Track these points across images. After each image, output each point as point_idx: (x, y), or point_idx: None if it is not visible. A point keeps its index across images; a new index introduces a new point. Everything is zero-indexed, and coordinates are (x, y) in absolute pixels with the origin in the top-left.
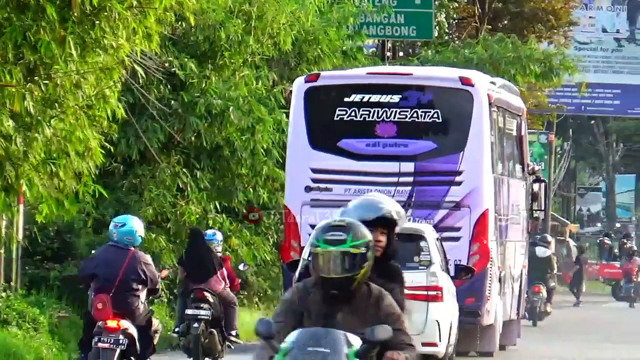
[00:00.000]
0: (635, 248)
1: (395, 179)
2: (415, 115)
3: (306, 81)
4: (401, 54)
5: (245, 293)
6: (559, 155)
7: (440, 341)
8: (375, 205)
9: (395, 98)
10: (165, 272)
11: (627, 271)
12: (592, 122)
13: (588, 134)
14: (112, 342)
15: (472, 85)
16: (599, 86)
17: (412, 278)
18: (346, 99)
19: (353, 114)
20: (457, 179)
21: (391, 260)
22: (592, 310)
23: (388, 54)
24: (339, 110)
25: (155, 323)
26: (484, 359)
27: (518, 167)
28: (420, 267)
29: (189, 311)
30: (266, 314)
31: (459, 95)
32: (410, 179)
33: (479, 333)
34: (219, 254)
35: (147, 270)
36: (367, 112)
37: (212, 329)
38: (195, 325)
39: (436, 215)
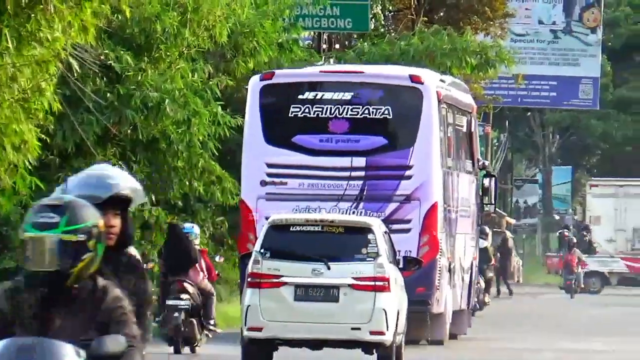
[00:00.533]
0: (574, 240)
1: (347, 174)
2: (366, 112)
3: (261, 79)
4: (337, 46)
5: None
6: (495, 147)
7: (387, 329)
8: (104, 181)
9: (348, 95)
10: (151, 265)
11: (567, 262)
12: (529, 113)
13: (524, 126)
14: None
15: (422, 83)
16: (535, 78)
17: (359, 269)
18: (300, 97)
19: (307, 110)
20: (407, 173)
21: (127, 248)
22: (531, 301)
23: (324, 46)
24: (293, 107)
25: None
26: (435, 348)
27: (468, 162)
28: (368, 259)
29: (169, 301)
30: None
31: (409, 92)
32: (362, 173)
33: (429, 322)
34: (197, 247)
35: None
36: (320, 109)
37: (192, 319)
38: (176, 315)
39: (387, 208)
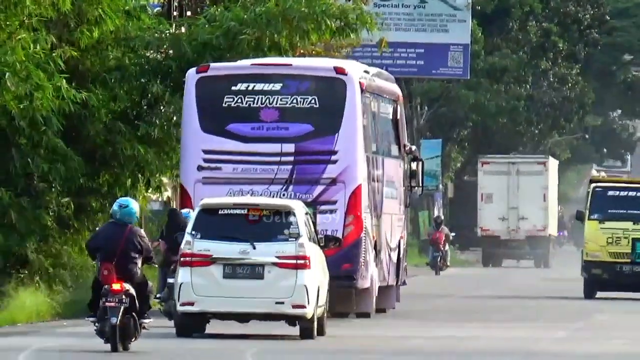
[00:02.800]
0: (442, 217)
1: (277, 159)
2: (295, 101)
3: (197, 72)
4: (189, 13)
5: (26, 272)
6: None
7: (308, 303)
8: None
9: (277, 86)
10: (157, 243)
11: (435, 240)
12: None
13: None
14: (117, 301)
15: (345, 74)
16: (402, 45)
17: (282, 249)
18: (233, 88)
19: (239, 101)
20: (333, 157)
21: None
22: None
23: (175, 13)
24: (227, 97)
25: (150, 285)
26: (362, 320)
27: (394, 147)
28: (290, 239)
29: (170, 280)
30: (48, 294)
31: (333, 83)
32: (291, 158)
33: (355, 296)
34: None
35: (142, 242)
36: (252, 99)
37: None
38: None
39: (315, 190)
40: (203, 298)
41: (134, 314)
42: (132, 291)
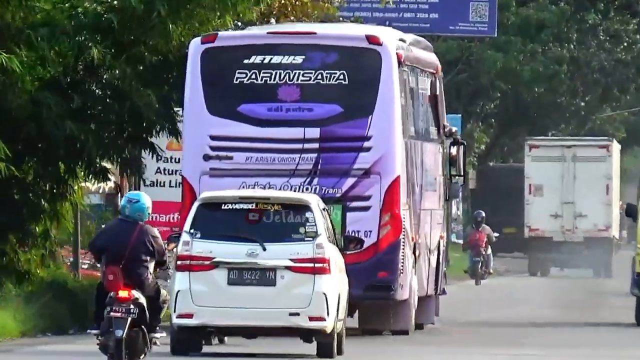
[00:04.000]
0: (483, 214)
1: (299, 146)
2: (319, 77)
3: (202, 42)
4: None
5: None
6: None
7: (327, 315)
8: None
9: (298, 59)
10: (172, 245)
11: (474, 242)
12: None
13: None
14: (123, 311)
15: (380, 44)
16: None
17: (297, 250)
18: (246, 61)
19: (253, 76)
20: (366, 144)
21: None
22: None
23: None
24: (238, 73)
25: (164, 293)
26: (399, 339)
27: (433, 129)
28: (306, 239)
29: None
30: None
31: (366, 55)
32: (316, 145)
33: (392, 310)
34: None
35: (155, 242)
36: (269, 75)
37: None
38: None
39: (344, 183)
40: (204, 309)
41: (143, 326)
42: (142, 300)
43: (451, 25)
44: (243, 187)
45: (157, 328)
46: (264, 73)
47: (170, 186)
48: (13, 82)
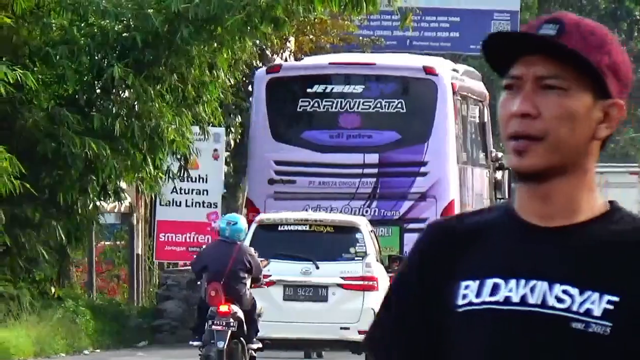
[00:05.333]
0: None
1: (359, 171)
2: (378, 105)
3: (267, 72)
4: None
5: None
6: None
7: None
8: None
9: (358, 88)
10: (265, 262)
11: None
12: None
13: None
14: (224, 324)
15: (436, 75)
16: (430, 12)
17: (348, 269)
18: (309, 90)
19: (316, 105)
20: (422, 169)
21: None
22: None
23: None
24: (302, 101)
25: (259, 307)
26: None
27: (481, 155)
28: (356, 258)
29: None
30: None
31: (422, 84)
32: (375, 170)
33: None
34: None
35: (252, 260)
36: (330, 103)
37: None
38: None
39: (402, 206)
40: (262, 322)
41: (241, 338)
42: (240, 314)
43: (472, 44)
44: (306, 209)
45: (254, 339)
46: (325, 101)
47: (186, 205)
48: (29, 99)
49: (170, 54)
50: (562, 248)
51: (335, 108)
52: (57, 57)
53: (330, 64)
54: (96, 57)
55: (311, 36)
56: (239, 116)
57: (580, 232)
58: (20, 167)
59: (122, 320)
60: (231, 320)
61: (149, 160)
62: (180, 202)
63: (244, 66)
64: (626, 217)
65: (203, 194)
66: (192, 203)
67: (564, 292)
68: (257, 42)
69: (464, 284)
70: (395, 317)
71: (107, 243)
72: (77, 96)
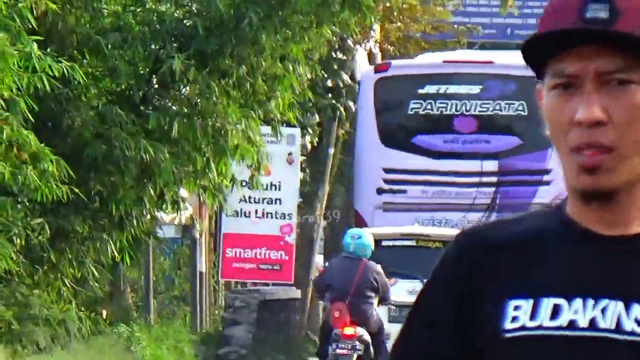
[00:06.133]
0: None
1: (476, 179)
2: (497, 107)
3: (375, 71)
4: None
5: None
6: None
7: None
8: None
9: (475, 89)
10: (393, 280)
11: None
12: None
13: None
14: (349, 347)
15: None
16: None
17: None
18: (420, 91)
19: (429, 107)
20: (546, 178)
21: None
22: None
23: None
24: (413, 103)
25: (387, 329)
26: None
27: None
28: None
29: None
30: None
31: None
32: (494, 179)
33: None
34: None
35: (379, 279)
36: (444, 105)
37: None
38: None
39: None
40: (389, 345)
41: None
42: (367, 337)
43: None
44: (418, 222)
45: None
46: (439, 103)
47: (257, 216)
48: (77, 95)
49: (237, 43)
50: (638, 260)
51: (450, 110)
52: (109, 47)
53: (444, 62)
54: (153, 47)
55: (399, 24)
56: (317, 115)
57: None
58: (68, 171)
59: (183, 348)
60: (357, 343)
61: (212, 165)
62: (249, 213)
63: (322, 58)
64: None
65: (275, 203)
66: (263, 214)
67: None
68: (337, 30)
69: (512, 303)
70: (421, 340)
71: (165, 260)
72: (130, 92)
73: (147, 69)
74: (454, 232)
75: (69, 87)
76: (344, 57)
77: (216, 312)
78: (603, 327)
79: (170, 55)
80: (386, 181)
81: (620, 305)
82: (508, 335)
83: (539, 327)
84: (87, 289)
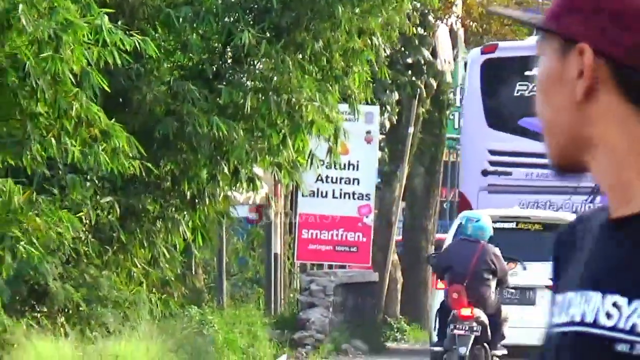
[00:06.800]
0: None
1: None
2: None
3: (482, 52)
4: None
5: (45, 310)
6: None
7: None
8: None
9: None
10: (512, 264)
11: None
12: None
13: None
14: (466, 329)
15: None
16: None
17: None
18: (527, 73)
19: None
20: None
21: None
22: None
23: None
24: (520, 85)
25: (505, 312)
26: None
27: None
28: None
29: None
30: (78, 344)
31: None
32: None
33: None
34: None
35: (497, 262)
36: None
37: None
38: None
39: None
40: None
41: (485, 344)
42: (484, 318)
43: None
44: (522, 204)
45: (499, 345)
46: None
47: (334, 197)
48: (148, 71)
49: (313, 16)
50: (617, 246)
51: None
52: (180, 20)
53: None
54: (226, 21)
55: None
56: (396, 92)
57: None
58: (139, 149)
59: (257, 332)
60: (474, 324)
61: (289, 142)
62: (326, 193)
63: (403, 33)
64: None
65: (353, 183)
66: (341, 194)
67: (614, 304)
68: (418, 5)
69: (558, 297)
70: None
71: (239, 241)
72: (203, 67)
73: (220, 44)
74: (554, 214)
75: (140, 62)
76: (425, 33)
77: (291, 295)
78: (587, 321)
79: (244, 29)
80: (492, 163)
81: (598, 297)
82: (548, 331)
83: (561, 324)
84: (158, 270)
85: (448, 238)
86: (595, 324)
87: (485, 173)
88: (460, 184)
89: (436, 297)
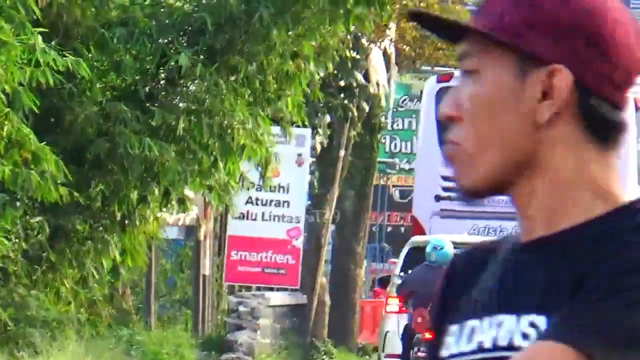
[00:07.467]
0: None
1: None
2: None
3: (438, 81)
4: None
5: None
6: None
7: None
8: None
9: None
10: None
11: None
12: None
13: None
14: None
15: None
16: None
17: None
18: None
19: None
20: None
21: None
22: None
23: None
24: None
25: None
26: None
27: None
28: None
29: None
30: None
31: None
32: None
33: None
34: None
35: None
36: None
37: None
38: None
39: None
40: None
41: None
42: None
43: None
44: (474, 229)
45: None
46: None
47: (263, 219)
48: (80, 91)
49: (247, 39)
50: (533, 266)
51: None
52: (114, 40)
53: None
54: (160, 42)
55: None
56: (328, 115)
57: (562, 240)
58: (67, 174)
59: (184, 353)
60: None
61: (220, 164)
62: (255, 216)
63: (334, 56)
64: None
65: (283, 206)
66: (270, 217)
67: (531, 324)
68: (352, 28)
69: (451, 328)
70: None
71: (168, 262)
72: (136, 88)
73: (154, 65)
74: None
75: (72, 82)
76: (358, 56)
77: (219, 316)
78: (501, 345)
79: (177, 50)
80: (444, 189)
81: (512, 320)
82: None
83: (459, 354)
84: (86, 290)
85: (399, 262)
86: (509, 347)
87: (438, 198)
88: (414, 208)
89: (388, 321)
